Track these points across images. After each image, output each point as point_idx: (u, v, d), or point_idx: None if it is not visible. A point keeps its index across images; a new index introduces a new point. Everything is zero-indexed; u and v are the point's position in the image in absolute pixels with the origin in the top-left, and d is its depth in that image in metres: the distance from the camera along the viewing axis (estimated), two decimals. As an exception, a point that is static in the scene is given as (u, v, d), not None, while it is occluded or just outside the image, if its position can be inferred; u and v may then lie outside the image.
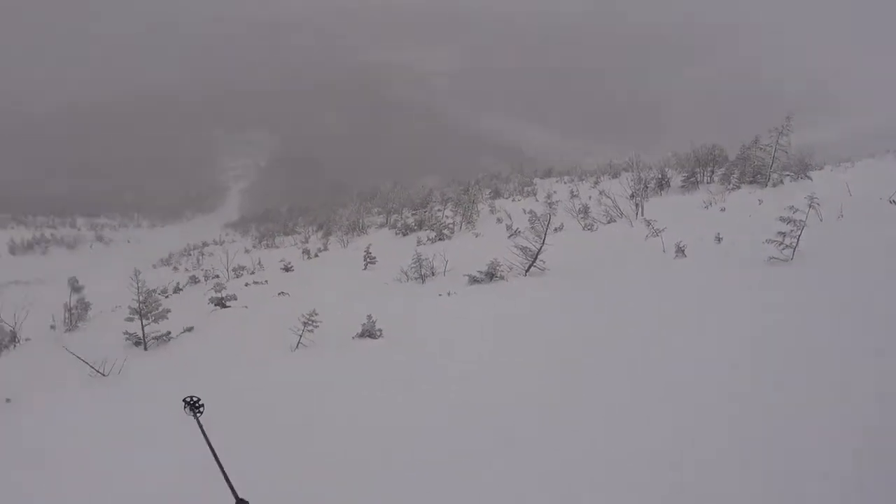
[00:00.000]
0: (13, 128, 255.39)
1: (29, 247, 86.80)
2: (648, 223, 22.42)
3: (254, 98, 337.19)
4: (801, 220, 13.03)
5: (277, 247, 55.71)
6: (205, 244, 73.31)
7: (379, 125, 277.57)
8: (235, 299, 20.35)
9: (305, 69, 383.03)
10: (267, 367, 11.82)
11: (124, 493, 6.77)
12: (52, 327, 21.18)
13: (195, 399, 3.98)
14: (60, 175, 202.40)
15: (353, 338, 12.78)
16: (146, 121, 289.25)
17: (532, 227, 20.74)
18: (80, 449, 8.55)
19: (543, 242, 18.29)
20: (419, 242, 33.34)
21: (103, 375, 12.63)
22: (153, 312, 15.48)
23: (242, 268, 33.93)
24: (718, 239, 17.84)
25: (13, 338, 18.97)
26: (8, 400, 11.90)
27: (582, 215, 29.55)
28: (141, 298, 15.12)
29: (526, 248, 18.57)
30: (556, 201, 37.92)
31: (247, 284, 26.07)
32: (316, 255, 39.12)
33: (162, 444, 7.99)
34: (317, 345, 12.78)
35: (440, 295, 17.12)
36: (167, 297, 26.23)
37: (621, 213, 28.08)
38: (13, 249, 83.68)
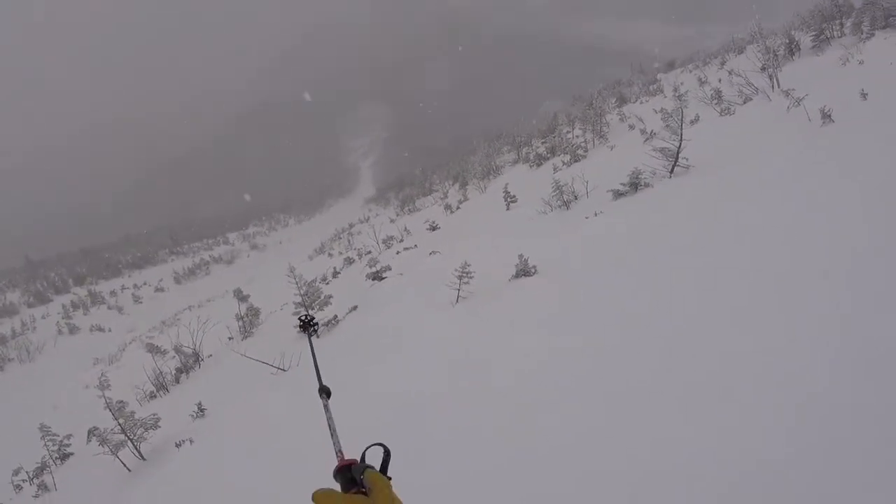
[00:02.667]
0: (152, 170, 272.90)
1: (191, 272, 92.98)
2: (787, 93, 20.74)
3: (355, 74, 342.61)
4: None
5: (419, 209, 56.51)
6: (351, 225, 75.47)
7: (487, 63, 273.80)
8: (390, 269, 20.83)
9: (395, 30, 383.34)
10: (433, 325, 12.09)
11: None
12: (230, 338, 22.69)
13: (310, 317, 4.30)
14: (201, 201, 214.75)
15: (509, 280, 12.81)
16: (265, 129, 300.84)
17: (666, 126, 19.86)
18: (275, 439, 9.26)
19: (681, 139, 17.38)
20: (555, 169, 32.68)
21: (284, 371, 13.40)
22: (317, 301, 16.16)
23: (391, 238, 34.68)
24: (864, 96, 16.30)
25: (196, 358, 20.51)
26: (203, 411, 13.02)
27: (715, 101, 27.72)
28: (302, 291, 15.80)
29: (664, 148, 17.81)
30: (686, 92, 35.88)
31: (398, 252, 26.60)
32: (458, 208, 39.34)
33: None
34: (476, 294, 12.95)
35: (586, 217, 16.80)
36: (328, 283, 27.30)
37: (756, 90, 26.11)
38: (178, 279, 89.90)
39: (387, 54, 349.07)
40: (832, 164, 12.07)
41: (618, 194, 17.70)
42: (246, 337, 21.70)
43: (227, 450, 10.46)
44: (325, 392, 3.56)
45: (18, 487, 17.30)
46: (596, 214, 16.57)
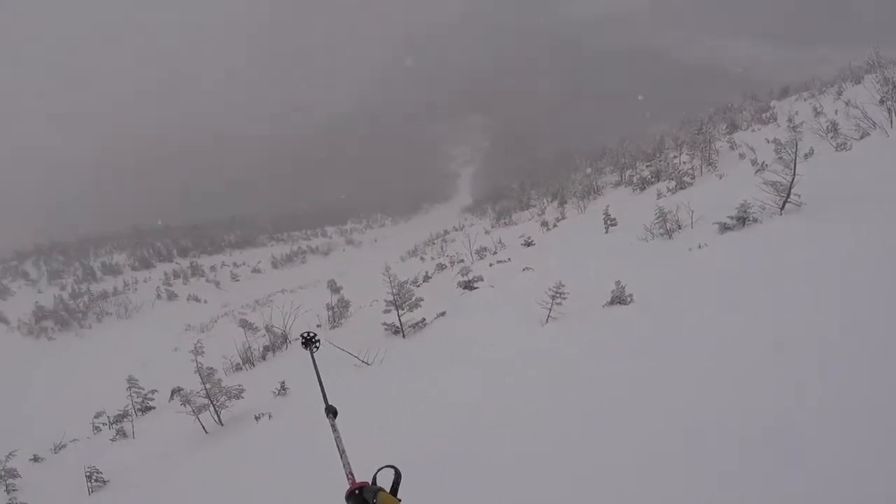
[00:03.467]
0: (263, 160, 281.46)
1: (288, 259, 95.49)
2: None
3: (462, 84, 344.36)
4: None
5: (515, 223, 56.43)
6: (446, 231, 75.98)
7: (592, 81, 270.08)
8: (482, 280, 20.85)
9: (502, 41, 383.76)
10: (518, 343, 12.05)
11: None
12: (318, 326, 23.19)
13: (311, 335, 4.79)
14: (304, 193, 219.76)
15: (602, 306, 12.60)
16: (371, 131, 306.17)
17: (779, 158, 19.12)
18: (349, 429, 9.44)
19: (795, 173, 16.53)
20: (659, 195, 31.92)
21: (367, 364, 13.63)
22: (407, 302, 16.34)
23: (484, 249, 34.78)
24: None
25: (285, 339, 21.08)
26: (285, 390, 13.40)
27: (831, 134, 26.44)
28: (394, 291, 16.01)
29: (776, 182, 16.99)
30: (800, 123, 34.39)
31: (490, 265, 26.60)
32: (554, 226, 39.08)
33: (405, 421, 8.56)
34: (567, 316, 12.78)
35: (689, 249, 16.23)
36: (418, 286, 27.54)
37: (874, 124, 24.73)
38: (275, 264, 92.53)
39: (493, 65, 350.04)
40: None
41: (724, 227, 17.01)
42: (334, 327, 22.12)
43: (302, 431, 10.70)
44: (331, 412, 3.65)
45: (97, 429, 18.21)
46: (700, 247, 15.97)
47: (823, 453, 4.92)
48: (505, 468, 6.65)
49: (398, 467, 2.82)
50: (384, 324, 16.73)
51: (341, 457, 3.11)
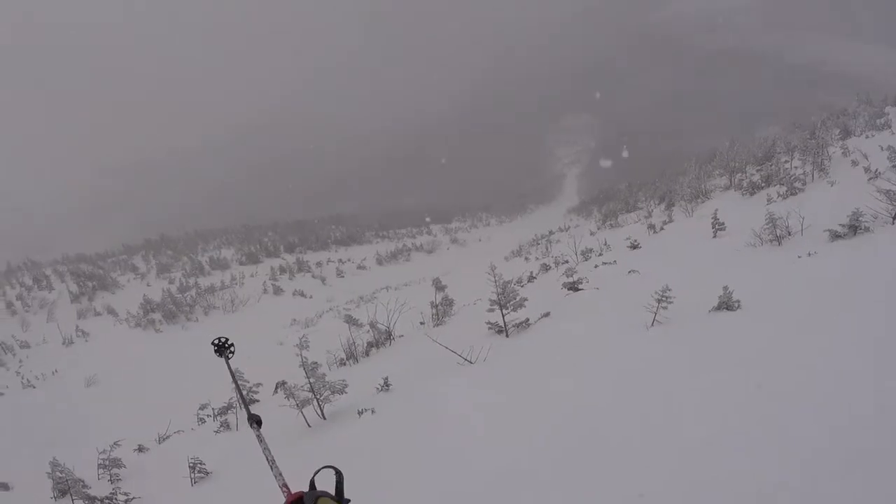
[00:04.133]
0: (372, 159, 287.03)
1: (393, 256, 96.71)
2: None
3: (572, 84, 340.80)
4: None
5: (621, 225, 55.45)
6: (551, 232, 75.40)
7: (701, 81, 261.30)
8: (587, 282, 20.57)
9: (604, 44, 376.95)
10: (625, 345, 11.80)
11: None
12: (422, 323, 23.37)
13: (223, 340, 4.58)
14: (413, 192, 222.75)
15: (709, 311, 12.19)
16: (479, 129, 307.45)
17: (893, 166, 18.11)
18: (443, 427, 9.50)
19: None
20: (769, 200, 30.77)
21: (470, 363, 13.60)
22: (511, 302, 16.24)
23: (590, 250, 34.29)
24: None
25: (388, 335, 21.34)
26: (388, 386, 13.54)
27: None
28: (499, 290, 15.96)
29: (890, 191, 16.10)
30: (919, 130, 32.59)
31: (596, 266, 26.21)
32: (661, 229, 38.13)
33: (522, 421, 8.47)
34: (672, 321, 12.35)
35: (799, 257, 15.58)
36: (523, 286, 27.37)
37: None
38: (380, 260, 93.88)
39: (602, 64, 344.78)
40: None
41: (835, 235, 16.31)
42: (438, 324, 22.18)
43: (404, 428, 10.74)
44: (255, 421, 3.51)
45: (202, 420, 18.89)
46: (809, 255, 15.34)
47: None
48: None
49: (338, 467, 2.70)
50: (488, 322, 16.68)
51: (271, 468, 3.00)
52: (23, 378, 45.66)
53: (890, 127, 40.73)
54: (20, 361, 51.87)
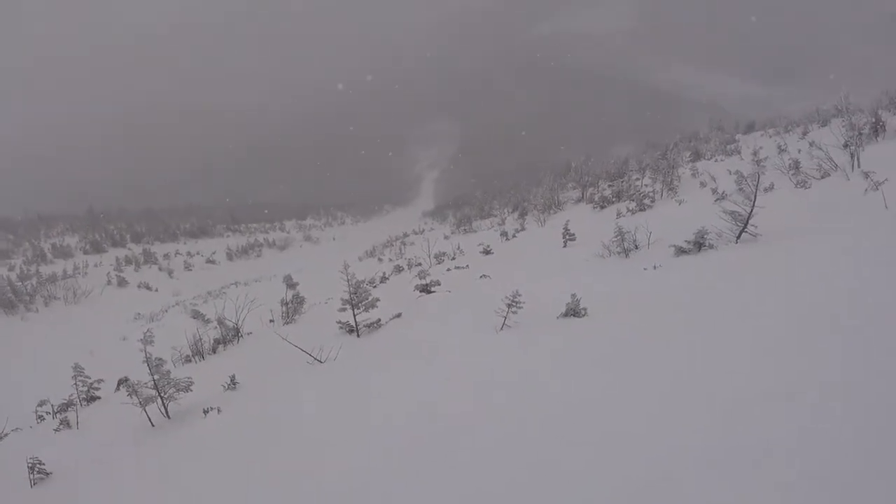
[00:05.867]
0: (226, 150, 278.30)
1: (244, 251, 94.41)
2: (866, 175, 20.44)
3: (435, 88, 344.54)
4: None
5: (475, 231, 56.64)
6: (405, 234, 76.03)
7: (563, 98, 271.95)
8: (439, 284, 20.89)
9: (478, 52, 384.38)
10: (474, 347, 12.14)
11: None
12: (271, 321, 23.00)
13: None
14: (267, 186, 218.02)
15: (557, 317, 12.74)
16: (336, 125, 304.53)
17: (740, 189, 19.61)
18: (289, 427, 9.50)
19: (754, 205, 17.08)
20: (619, 215, 32.48)
21: (320, 362, 13.59)
22: (364, 302, 16.30)
23: (443, 254, 34.85)
24: None
25: (236, 332, 20.88)
26: (235, 384, 13.31)
27: (793, 171, 27.36)
28: (351, 290, 15.98)
29: (735, 212, 17.49)
30: (764, 158, 35.32)
31: (448, 270, 26.70)
32: (514, 236, 39.27)
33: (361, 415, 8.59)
34: (521, 325, 12.84)
35: (644, 269, 16.55)
36: (375, 286, 27.48)
37: (836, 166, 25.72)
38: (230, 255, 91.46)
39: (468, 73, 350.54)
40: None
41: (680, 251, 17.40)
42: (288, 323, 21.91)
43: (252, 427, 10.62)
44: None
45: (41, 418, 17.79)
46: (654, 267, 16.33)
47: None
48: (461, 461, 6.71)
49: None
50: (339, 322, 16.68)
51: None
52: None
53: (739, 153, 43.75)
54: None
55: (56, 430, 15.50)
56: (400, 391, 10.18)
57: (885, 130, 32.15)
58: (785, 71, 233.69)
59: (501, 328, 12.84)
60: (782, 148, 36.97)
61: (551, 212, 48.51)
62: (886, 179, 18.72)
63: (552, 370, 9.63)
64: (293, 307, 23.00)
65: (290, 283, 24.42)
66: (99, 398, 18.03)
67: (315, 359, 13.77)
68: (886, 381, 6.28)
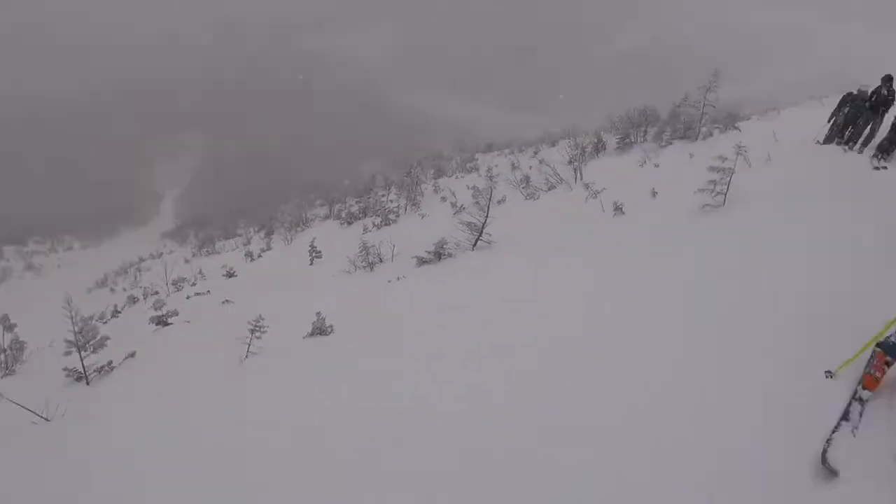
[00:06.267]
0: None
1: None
2: (587, 186, 23.23)
3: (179, 95, 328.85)
4: (729, 168, 14.17)
5: (219, 252, 54.93)
6: (141, 259, 71.72)
7: (317, 114, 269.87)
8: (177, 315, 20.18)
9: (234, 64, 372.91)
10: (213, 384, 11.91)
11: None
12: (-18, 373, 20.71)
13: None
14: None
15: (303, 338, 12.93)
16: (61, 129, 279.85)
17: (476, 202, 21.08)
18: None
19: (487, 216, 18.79)
20: (365, 230, 33.25)
21: (47, 420, 12.46)
22: (91, 342, 15.29)
23: (183, 279, 33.45)
24: (654, 194, 18.98)
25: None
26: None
27: (523, 185, 30.17)
28: (77, 329, 14.92)
29: (471, 223, 19.03)
30: (498, 174, 37.96)
31: (188, 297, 25.82)
32: (259, 257, 38.68)
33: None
34: (266, 351, 12.81)
35: (389, 281, 17.50)
36: (105, 322, 25.82)
37: (561, 180, 28.85)
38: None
39: (219, 81, 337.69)
40: (621, 247, 14.51)
41: (422, 261, 18.70)
42: (6, 374, 19.81)
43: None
44: None
45: None
46: (398, 279, 17.35)
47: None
48: None
49: None
50: (65, 369, 15.47)
51: None
52: None
53: (477, 170, 46.63)
54: None
55: None
56: (125, 452, 9.74)
57: (605, 149, 36.20)
58: (527, 99, 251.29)
59: (246, 356, 12.69)
60: (515, 165, 40.25)
61: (299, 229, 48.25)
62: (604, 188, 21.43)
63: (290, 399, 9.97)
64: (12, 355, 20.85)
65: (7, 325, 22.09)
66: None
67: (41, 417, 12.60)
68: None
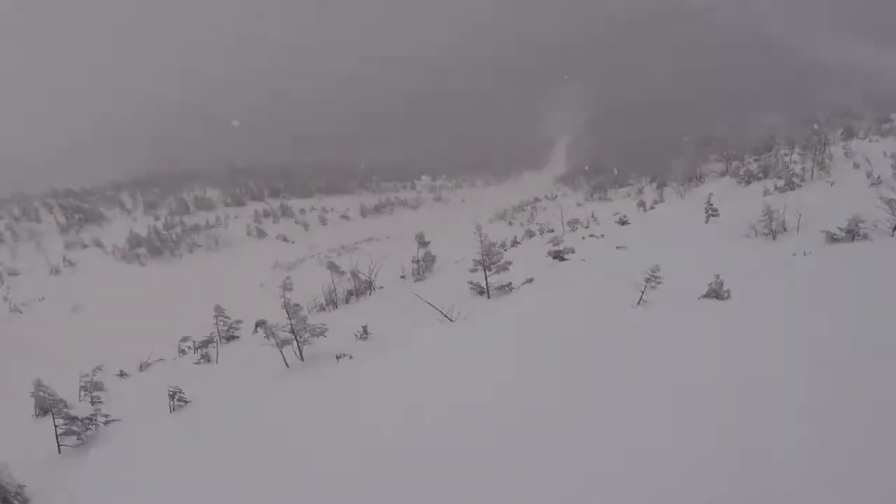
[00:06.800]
0: (362, 110, 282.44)
1: (377, 209, 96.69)
2: None
3: (569, 49, 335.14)
4: None
5: (610, 199, 55.55)
6: (537, 199, 75.50)
7: (705, 64, 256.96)
8: (573, 252, 20.51)
9: (614, 12, 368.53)
10: (609, 321, 11.75)
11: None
12: (402, 277, 23.30)
13: None
14: (400, 145, 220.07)
15: (698, 298, 12.13)
16: (468, 86, 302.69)
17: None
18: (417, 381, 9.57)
19: None
20: (765, 192, 30.58)
21: (450, 320, 13.58)
22: (496, 264, 16.18)
23: (576, 221, 34.25)
24: None
25: (369, 285, 21.32)
26: (367, 334, 13.50)
27: None
28: (484, 251, 15.86)
29: (893, 200, 15.91)
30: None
31: (583, 238, 26.16)
32: (651, 208, 38.11)
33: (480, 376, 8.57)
34: (658, 303, 12.31)
35: (794, 255, 15.49)
36: (505, 250, 27.35)
37: None
38: (363, 212, 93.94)
39: (605, 35, 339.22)
40: None
41: (832, 238, 16.18)
42: (419, 280, 22.22)
43: (380, 377, 10.85)
44: None
45: (183, 352, 18.99)
46: (805, 254, 15.26)
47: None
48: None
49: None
50: (470, 282, 16.69)
51: None
52: (10, 304, 46.66)
53: (894, 133, 40.67)
54: (8, 288, 52.93)
55: (196, 364, 16.40)
56: (530, 360, 9.95)
57: None
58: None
59: (638, 303, 12.36)
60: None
61: (692, 184, 46.63)
62: None
63: (686, 353, 9.10)
64: (424, 265, 23.21)
65: (422, 242, 24.55)
66: (237, 338, 18.95)
67: (445, 316, 13.79)
68: None
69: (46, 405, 11.80)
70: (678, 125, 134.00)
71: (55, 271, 58.44)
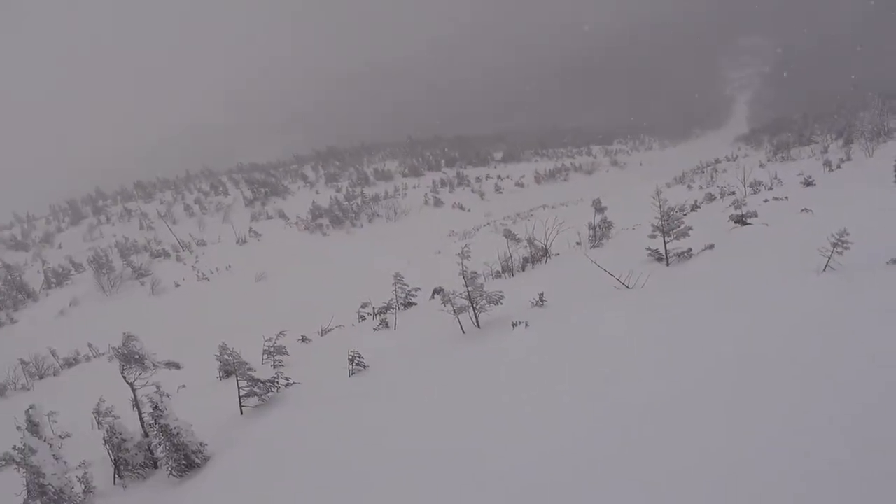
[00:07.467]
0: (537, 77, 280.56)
1: (551, 175, 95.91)
2: None
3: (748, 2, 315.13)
4: None
5: (794, 159, 52.14)
6: (717, 161, 72.25)
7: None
8: (755, 216, 19.52)
9: None
10: (793, 286, 11.06)
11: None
12: (578, 243, 23.13)
13: None
14: (574, 112, 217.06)
15: (886, 263, 10.83)
16: (643, 50, 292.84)
17: None
18: (596, 350, 9.44)
19: None
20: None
21: (628, 288, 13.36)
22: (675, 230, 15.70)
23: (759, 183, 32.49)
24: None
25: (545, 252, 21.34)
26: (543, 301, 13.54)
27: None
28: (662, 216, 15.45)
29: None
30: None
31: (766, 200, 24.77)
32: (838, 167, 35.36)
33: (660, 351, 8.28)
34: (845, 268, 11.15)
35: None
36: (685, 214, 26.47)
37: None
38: (538, 179, 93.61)
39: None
40: None
41: None
42: (595, 246, 21.85)
43: (557, 345, 10.75)
44: None
45: (362, 318, 19.95)
46: None
47: None
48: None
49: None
50: (648, 249, 16.29)
51: None
52: (198, 272, 50.98)
53: None
54: (196, 258, 58.07)
55: (376, 330, 17.18)
56: (710, 328, 9.54)
57: None
58: None
59: (824, 269, 11.46)
60: None
61: (880, 140, 42.85)
62: None
63: (872, 321, 8.29)
64: (601, 231, 22.93)
65: (599, 207, 24.29)
66: (415, 304, 19.62)
67: (623, 284, 13.58)
68: None
69: (230, 368, 12.80)
70: (862, 76, 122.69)
71: (241, 241, 62.89)
